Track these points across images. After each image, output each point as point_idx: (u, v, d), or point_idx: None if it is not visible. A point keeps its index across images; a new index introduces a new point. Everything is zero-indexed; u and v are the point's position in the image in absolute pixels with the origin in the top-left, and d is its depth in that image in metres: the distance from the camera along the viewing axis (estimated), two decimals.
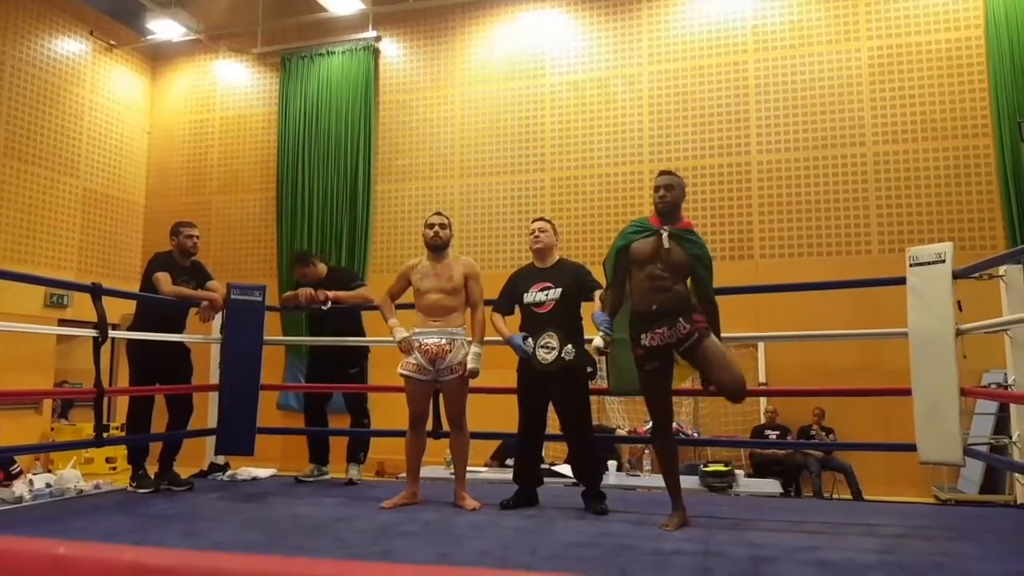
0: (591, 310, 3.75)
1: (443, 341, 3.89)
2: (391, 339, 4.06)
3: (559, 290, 3.90)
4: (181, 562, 0.44)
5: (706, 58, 8.71)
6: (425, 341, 3.91)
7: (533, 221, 4.16)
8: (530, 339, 3.85)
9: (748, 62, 8.58)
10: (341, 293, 4.95)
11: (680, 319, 3.36)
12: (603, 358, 3.89)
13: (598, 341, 3.53)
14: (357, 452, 5.00)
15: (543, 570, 2.38)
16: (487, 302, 4.10)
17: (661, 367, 3.46)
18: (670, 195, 3.50)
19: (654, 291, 3.40)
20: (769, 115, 8.44)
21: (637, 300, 3.48)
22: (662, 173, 3.60)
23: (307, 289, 4.93)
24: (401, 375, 3.98)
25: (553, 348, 3.79)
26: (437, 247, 4.03)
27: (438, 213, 4.13)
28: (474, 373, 3.90)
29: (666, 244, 3.41)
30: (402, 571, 0.42)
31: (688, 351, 3.39)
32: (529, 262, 4.16)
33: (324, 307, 4.87)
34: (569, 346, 3.78)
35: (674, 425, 6.81)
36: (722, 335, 3.52)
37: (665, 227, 3.45)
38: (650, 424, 4.81)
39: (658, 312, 3.39)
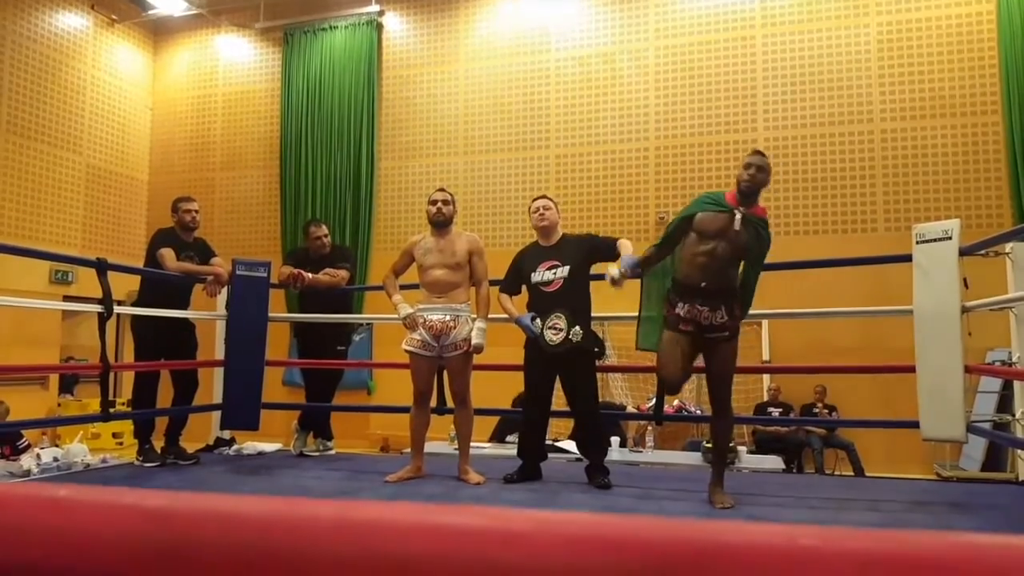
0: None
1: (447, 317, 3.89)
2: (394, 316, 4.07)
3: (567, 267, 3.87)
4: (182, 503, 0.44)
5: (713, 33, 8.62)
6: (429, 317, 3.91)
7: (534, 200, 4.12)
8: (538, 320, 3.84)
9: (756, 37, 8.48)
10: (320, 277, 4.98)
11: (723, 307, 3.27)
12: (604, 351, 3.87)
13: (613, 271, 3.47)
14: (327, 427, 5.13)
15: None
16: (493, 282, 4.10)
17: (694, 332, 3.31)
18: (760, 176, 3.26)
19: (708, 268, 3.25)
20: (776, 91, 8.36)
21: (686, 272, 3.32)
22: (756, 152, 3.36)
23: (287, 268, 5.00)
24: (405, 351, 3.98)
25: (561, 330, 3.78)
26: (440, 223, 4.01)
27: (441, 189, 4.12)
28: (479, 349, 3.91)
29: (737, 226, 3.23)
30: (400, 510, 0.42)
31: (710, 342, 3.32)
32: (533, 241, 4.14)
33: (295, 288, 5.01)
34: (577, 327, 3.77)
35: (676, 402, 6.89)
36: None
37: (741, 208, 3.26)
38: (652, 401, 4.83)
39: (707, 290, 3.26)
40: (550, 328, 3.80)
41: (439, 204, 4.01)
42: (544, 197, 4.13)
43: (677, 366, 3.32)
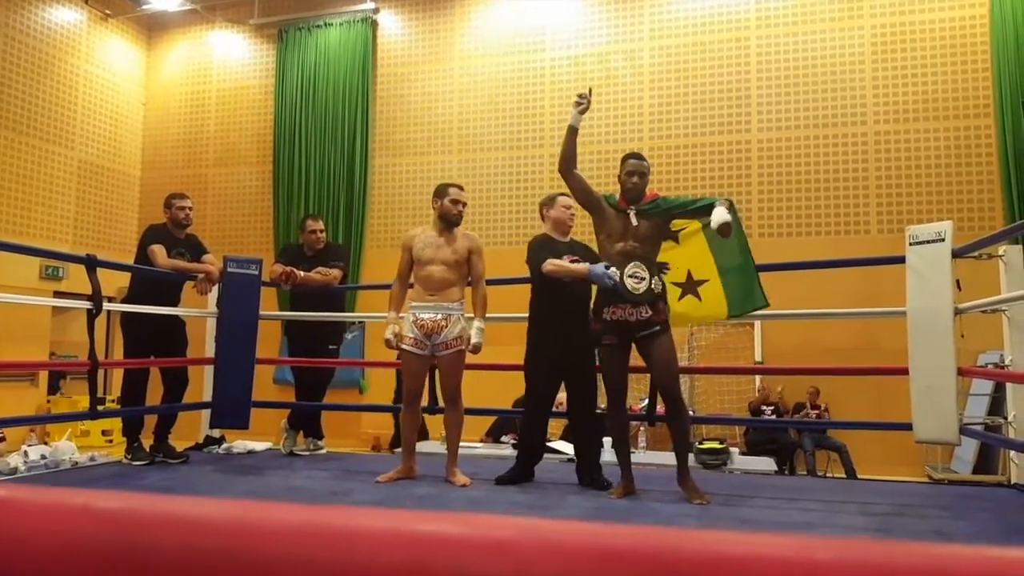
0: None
1: (439, 316, 3.86)
2: (386, 315, 4.04)
3: (586, 264, 3.87)
4: (135, 505, 0.42)
5: (708, 34, 8.61)
6: (421, 316, 3.88)
7: (559, 195, 4.14)
8: (614, 268, 3.54)
9: (750, 39, 8.48)
10: (312, 275, 4.94)
11: (646, 303, 3.44)
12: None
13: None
14: (318, 426, 5.11)
15: None
16: (494, 281, 4.08)
17: (620, 343, 3.52)
18: (642, 182, 3.60)
19: (624, 266, 3.47)
20: (770, 93, 8.36)
21: None
22: (632, 156, 3.67)
23: (278, 266, 4.97)
24: (400, 348, 3.95)
25: (643, 279, 3.51)
26: (456, 223, 3.98)
27: (461, 188, 4.07)
28: (477, 348, 3.86)
29: (634, 222, 3.54)
30: (377, 517, 0.40)
31: (643, 340, 3.49)
32: (542, 233, 4.11)
33: (286, 286, 4.97)
34: (656, 279, 3.56)
35: None
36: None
37: (632, 207, 3.58)
38: (645, 402, 4.83)
39: None
40: (631, 276, 3.51)
41: (461, 206, 3.98)
42: (567, 194, 4.07)
43: (617, 379, 3.59)
